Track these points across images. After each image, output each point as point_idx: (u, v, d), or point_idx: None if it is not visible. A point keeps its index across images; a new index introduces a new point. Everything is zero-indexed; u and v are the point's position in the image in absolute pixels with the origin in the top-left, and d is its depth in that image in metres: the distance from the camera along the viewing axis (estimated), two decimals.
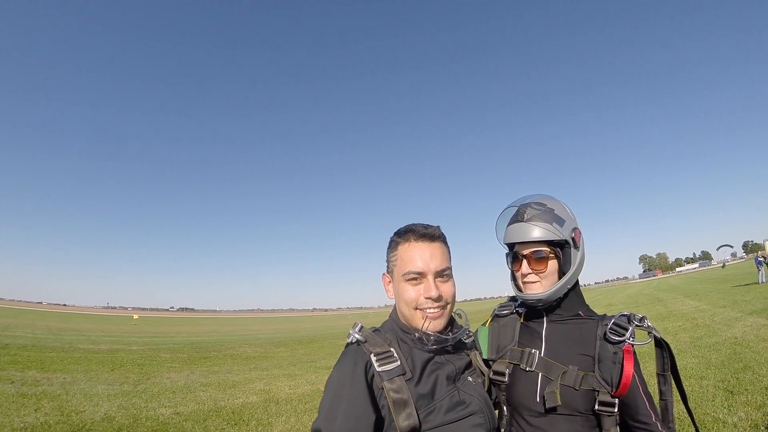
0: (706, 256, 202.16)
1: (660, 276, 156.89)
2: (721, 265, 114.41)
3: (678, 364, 1.81)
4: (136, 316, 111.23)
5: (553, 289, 1.74)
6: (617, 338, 1.64)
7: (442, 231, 1.72)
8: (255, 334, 44.01)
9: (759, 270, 33.32)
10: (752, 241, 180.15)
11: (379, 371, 1.47)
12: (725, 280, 41.35)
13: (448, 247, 1.72)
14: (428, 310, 1.59)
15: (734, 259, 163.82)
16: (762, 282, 31.15)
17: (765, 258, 35.00)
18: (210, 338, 35.23)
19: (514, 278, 1.89)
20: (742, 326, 13.52)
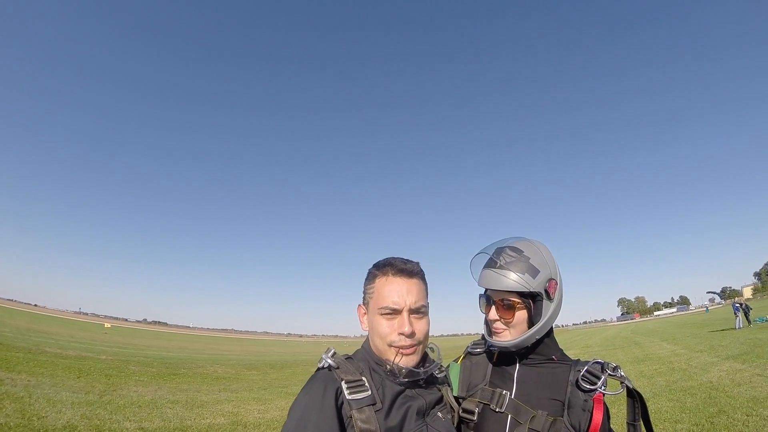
0: (684, 301, 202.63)
1: (638, 319, 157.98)
2: (705, 309, 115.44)
3: (653, 407, 1.86)
4: (107, 325, 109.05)
5: (520, 339, 1.71)
6: (589, 386, 1.62)
7: (421, 267, 1.70)
8: (227, 354, 43.28)
9: (736, 316, 33.53)
10: (730, 288, 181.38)
11: (349, 399, 1.43)
12: (702, 325, 41.61)
13: (425, 284, 1.69)
14: (401, 347, 1.56)
15: (712, 305, 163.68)
16: (739, 327, 31.39)
17: (741, 304, 35.24)
18: (181, 354, 34.65)
19: (486, 321, 1.85)
20: (718, 371, 13.54)
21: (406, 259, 1.68)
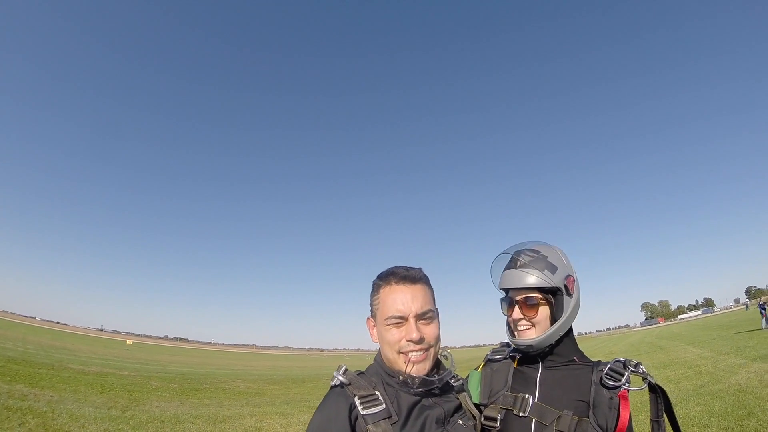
0: (708, 303, 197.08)
1: (662, 324, 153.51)
2: (744, 307, 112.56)
3: (680, 412, 1.76)
4: (129, 341, 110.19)
5: (545, 335, 1.75)
6: (613, 383, 1.64)
7: (425, 273, 1.71)
8: (249, 369, 43.27)
9: (762, 316, 32.47)
10: (755, 287, 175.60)
11: (363, 414, 1.44)
12: (728, 327, 40.33)
13: (431, 289, 1.70)
14: (411, 354, 1.56)
15: (737, 305, 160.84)
16: (765, 327, 30.47)
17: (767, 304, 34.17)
18: (202, 370, 34.71)
19: (508, 323, 1.89)
20: (746, 372, 13.27)
21: (409, 266, 1.69)
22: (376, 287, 1.69)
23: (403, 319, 1.57)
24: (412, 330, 1.55)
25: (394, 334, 1.58)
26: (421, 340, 1.56)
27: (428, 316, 1.61)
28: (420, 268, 1.70)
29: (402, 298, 1.59)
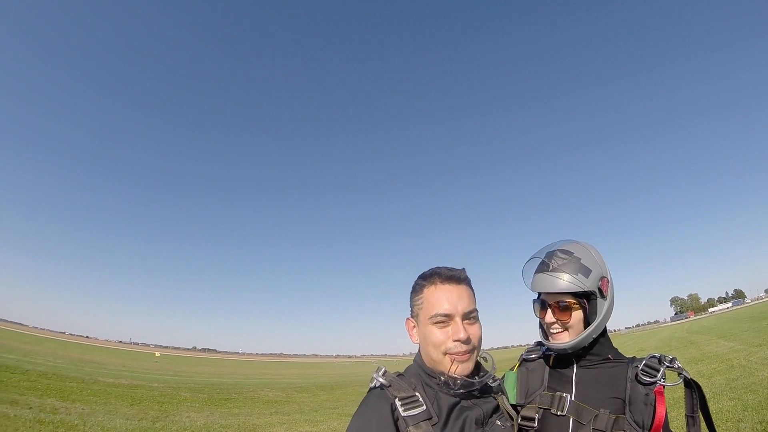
0: (739, 295, 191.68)
1: (692, 318, 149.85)
2: None
3: (714, 407, 1.53)
4: (158, 354, 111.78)
5: (578, 339, 1.72)
6: (649, 379, 1.62)
7: (467, 274, 1.68)
8: (277, 378, 43.45)
9: None
10: None
11: (404, 416, 1.42)
12: (760, 318, 39.06)
13: (473, 290, 1.68)
14: (456, 354, 1.54)
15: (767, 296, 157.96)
16: None
17: None
18: (231, 380, 34.86)
19: (541, 325, 1.87)
20: None
21: (451, 267, 1.67)
22: (419, 287, 1.66)
23: (449, 318, 1.54)
24: (459, 329, 1.53)
25: (439, 333, 1.55)
26: (467, 340, 1.54)
27: (473, 315, 1.60)
28: (463, 269, 1.68)
29: (448, 297, 1.57)
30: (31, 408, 11.23)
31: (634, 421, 1.58)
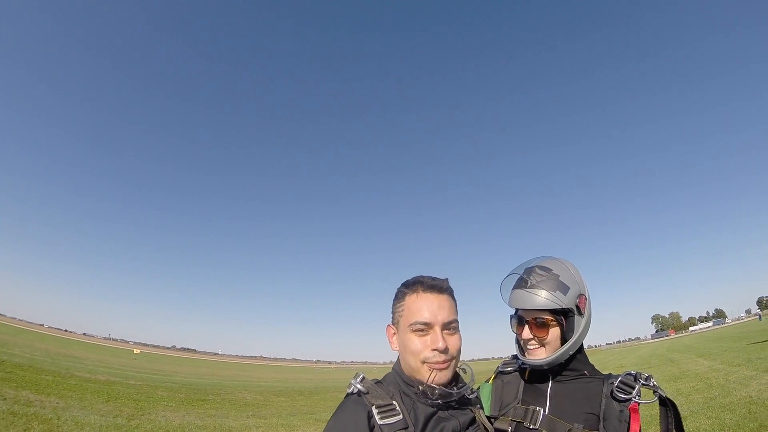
0: (719, 314, 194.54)
1: (673, 336, 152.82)
2: (758, 317, 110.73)
3: (691, 426, 1.68)
4: (136, 351, 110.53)
5: (555, 356, 1.73)
6: (624, 396, 1.63)
7: (450, 284, 1.70)
8: (255, 380, 43.00)
9: None
10: (766, 298, 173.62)
11: (380, 424, 1.42)
12: (740, 338, 39.62)
13: (455, 301, 1.70)
14: (434, 363, 1.54)
15: (749, 316, 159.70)
16: None
17: None
18: (209, 381, 34.55)
19: (517, 340, 1.89)
20: (758, 384, 13.04)
21: (435, 276, 1.69)
22: (401, 294, 1.68)
23: (429, 326, 1.56)
24: (437, 338, 1.54)
25: (418, 342, 1.56)
26: (446, 350, 1.54)
27: (453, 326, 1.61)
28: (446, 279, 1.70)
29: (429, 306, 1.58)
30: (5, 399, 11.16)
31: None
